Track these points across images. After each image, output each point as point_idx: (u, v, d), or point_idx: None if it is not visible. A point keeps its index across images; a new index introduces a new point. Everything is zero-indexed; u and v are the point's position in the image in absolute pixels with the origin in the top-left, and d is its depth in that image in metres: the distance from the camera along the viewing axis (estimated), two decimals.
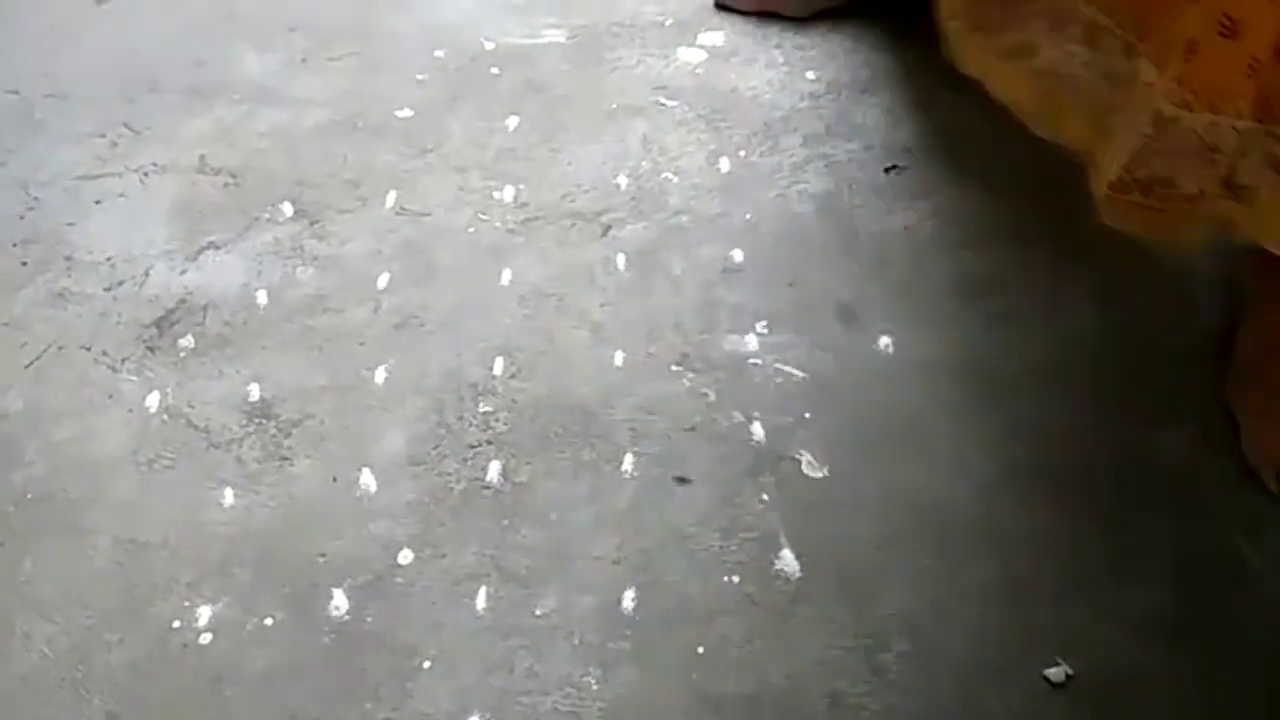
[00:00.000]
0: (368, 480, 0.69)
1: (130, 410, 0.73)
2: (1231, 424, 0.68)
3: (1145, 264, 0.78)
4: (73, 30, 1.02)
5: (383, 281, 0.80)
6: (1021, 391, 0.71)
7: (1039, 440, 0.69)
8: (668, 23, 0.99)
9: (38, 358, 0.76)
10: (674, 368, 0.74)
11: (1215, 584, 0.62)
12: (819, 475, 0.68)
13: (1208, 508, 0.65)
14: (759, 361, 0.74)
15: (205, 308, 0.78)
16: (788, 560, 0.64)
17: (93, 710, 0.59)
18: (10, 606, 0.64)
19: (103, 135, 0.92)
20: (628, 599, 0.63)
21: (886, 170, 0.86)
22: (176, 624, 0.63)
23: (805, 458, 0.69)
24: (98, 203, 0.86)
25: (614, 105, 0.92)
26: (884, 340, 0.75)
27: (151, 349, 0.76)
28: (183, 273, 0.81)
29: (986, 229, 0.81)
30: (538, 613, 0.63)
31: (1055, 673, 0.59)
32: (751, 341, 0.75)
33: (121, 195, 0.87)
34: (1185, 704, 0.58)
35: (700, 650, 0.61)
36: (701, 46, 0.97)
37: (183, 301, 0.79)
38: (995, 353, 0.73)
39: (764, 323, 0.76)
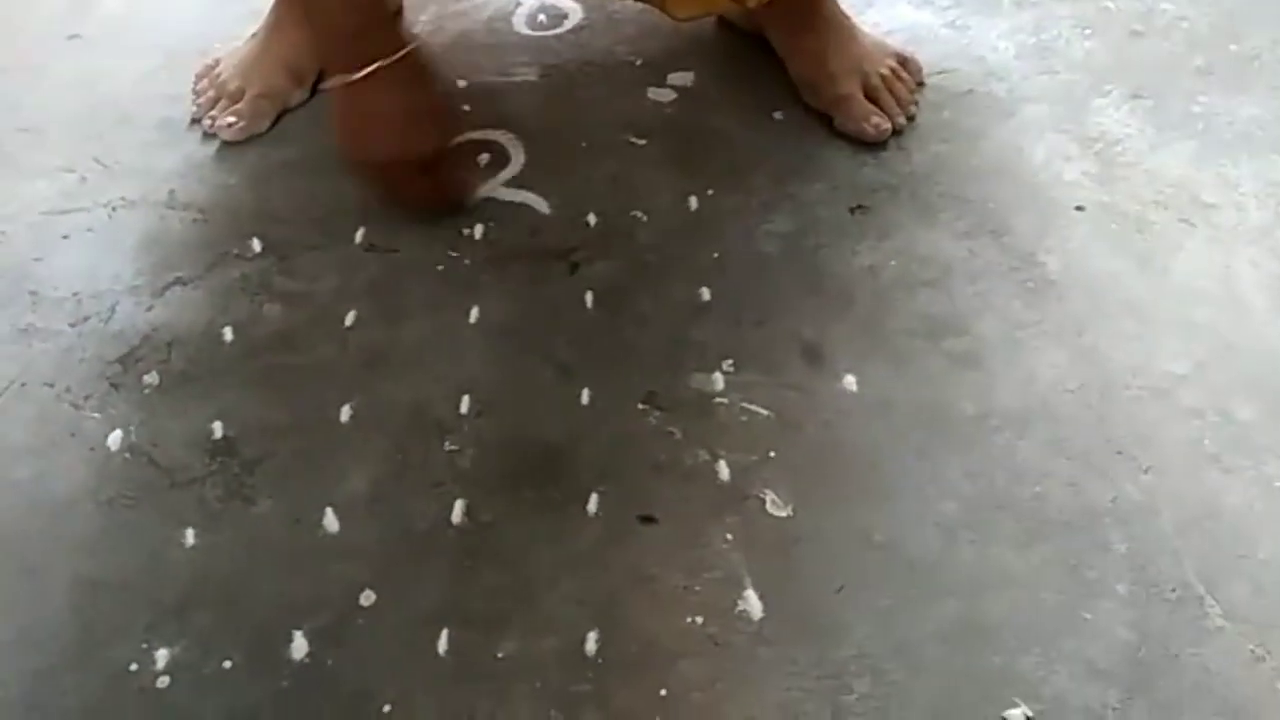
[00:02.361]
0: (330, 520, 0.68)
1: (92, 449, 0.72)
2: None
3: (1102, 306, 0.79)
4: (42, 63, 1.02)
5: (350, 318, 0.80)
6: (983, 431, 0.72)
7: (1000, 481, 0.69)
8: (638, 63, 1.01)
9: None
10: (640, 406, 0.75)
11: (1174, 621, 0.63)
12: (783, 514, 0.68)
13: (1162, 539, 0.66)
14: (725, 400, 0.75)
15: (170, 344, 0.78)
16: (751, 600, 0.64)
17: None
18: None
19: (72, 170, 0.92)
20: (590, 641, 0.63)
21: (852, 210, 0.87)
22: (134, 667, 0.62)
23: (769, 496, 0.69)
24: (65, 237, 0.86)
25: (584, 144, 0.93)
26: (848, 379, 0.75)
27: (115, 386, 0.76)
28: (149, 309, 0.80)
29: (948, 270, 0.82)
30: (499, 655, 0.62)
31: (1015, 715, 0.59)
32: (718, 380, 0.76)
33: (89, 230, 0.87)
34: None
35: (663, 693, 0.61)
36: (671, 86, 0.98)
37: (147, 338, 0.79)
38: (957, 393, 0.74)
39: (730, 361, 0.77)
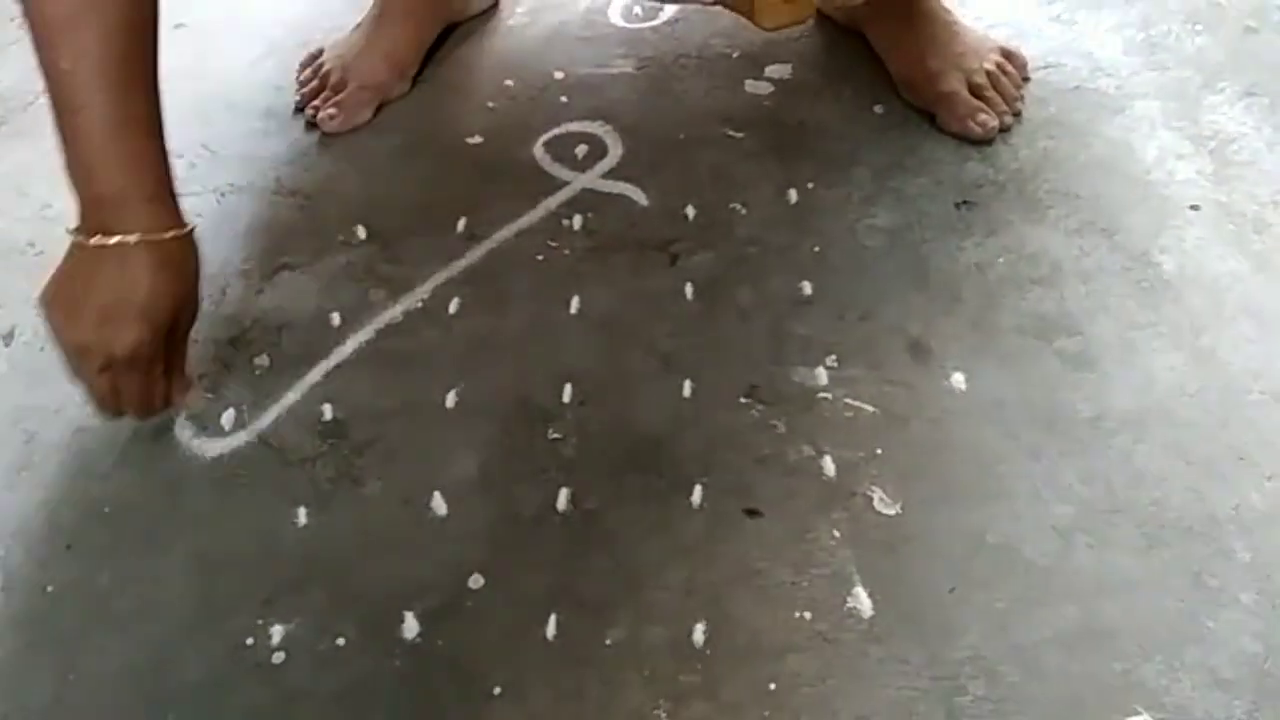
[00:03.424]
0: (438, 503, 0.69)
1: (206, 427, 0.74)
2: None
3: (1221, 309, 0.77)
4: None
5: (454, 306, 0.81)
6: (1099, 434, 0.70)
7: (1118, 484, 0.68)
8: (735, 55, 1.00)
9: None
10: (743, 399, 0.74)
11: None
12: (891, 512, 0.68)
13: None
14: (829, 395, 0.74)
15: (280, 328, 0.80)
16: (860, 598, 0.64)
17: None
18: (88, 619, 0.64)
19: (181, 156, 0.93)
20: (698, 631, 0.63)
21: (957, 206, 0.85)
22: (250, 641, 0.63)
23: (877, 494, 0.68)
24: None
25: (681, 136, 0.93)
26: (956, 377, 0.74)
27: (228, 366, 0.77)
28: (259, 292, 0.82)
29: (1058, 268, 0.80)
30: (608, 642, 0.62)
31: None
32: (821, 375, 0.75)
33: (199, 215, 0.88)
34: None
35: (772, 687, 0.60)
36: (769, 79, 0.97)
37: (258, 321, 0.80)
38: (1071, 394, 0.72)
39: (834, 356, 0.76)
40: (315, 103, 0.96)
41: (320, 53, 0.99)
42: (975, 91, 0.90)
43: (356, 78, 0.96)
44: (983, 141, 0.89)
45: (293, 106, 0.97)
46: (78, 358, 0.67)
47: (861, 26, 0.98)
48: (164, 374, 0.70)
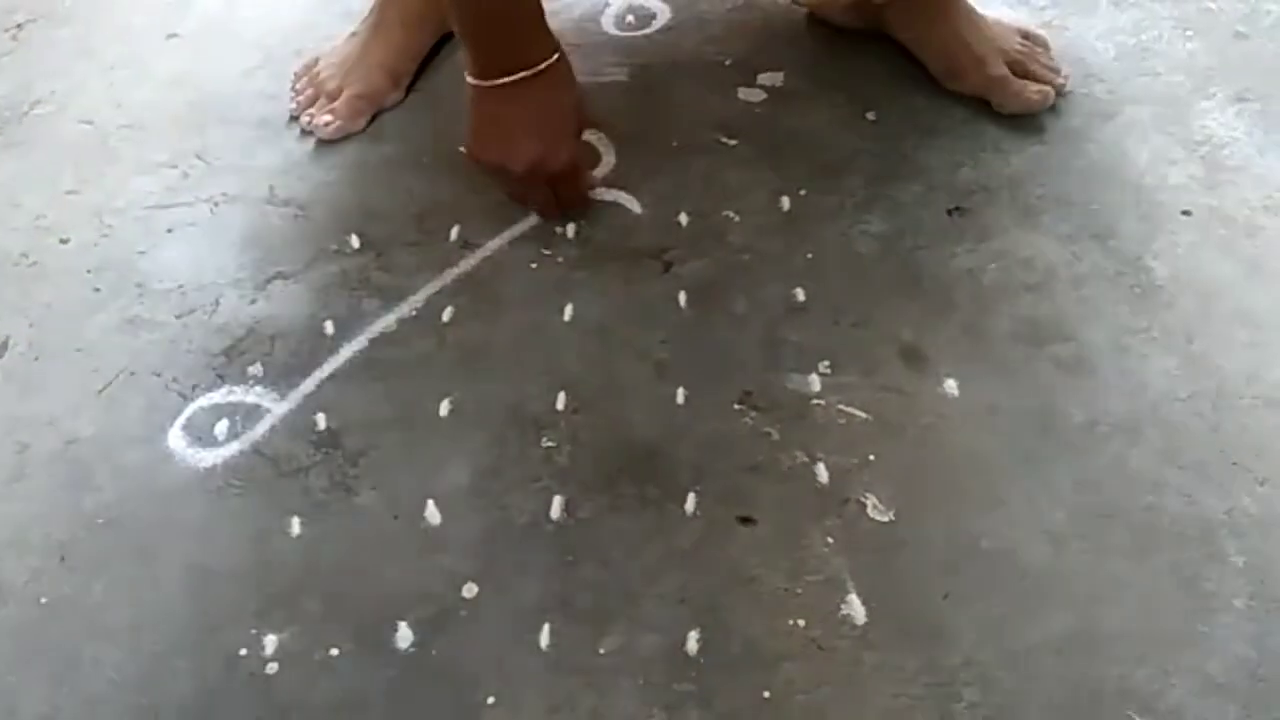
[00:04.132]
0: (432, 512, 0.69)
1: (199, 438, 0.74)
2: None
3: (1213, 314, 0.77)
4: (145, 62, 1.05)
5: (447, 314, 0.81)
6: (1092, 439, 0.70)
7: (1111, 490, 0.68)
8: (727, 62, 1.00)
9: (109, 383, 0.77)
10: (736, 406, 0.74)
11: None
12: (885, 519, 0.68)
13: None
14: (822, 402, 0.74)
15: (273, 337, 0.80)
16: (854, 605, 0.64)
17: None
18: (80, 631, 0.64)
19: (174, 166, 0.94)
20: (692, 640, 0.63)
21: (950, 212, 0.85)
22: (244, 652, 0.63)
23: (871, 500, 0.68)
24: (169, 231, 0.88)
25: (674, 143, 0.93)
26: (949, 383, 0.74)
27: (221, 376, 0.77)
28: (252, 302, 0.82)
29: (1051, 274, 0.80)
30: (601, 651, 0.62)
31: None
32: (814, 381, 0.75)
33: (192, 224, 0.89)
34: None
35: (766, 695, 0.60)
36: (761, 86, 0.98)
37: (251, 330, 0.80)
38: (1065, 400, 0.73)
39: (827, 362, 0.76)
40: (310, 110, 0.96)
41: (316, 61, 1.00)
42: (1018, 69, 0.92)
43: (352, 86, 0.96)
44: (1040, 110, 0.92)
45: (287, 115, 0.97)
46: (526, 180, 0.82)
47: (888, 28, 0.98)
48: (575, 178, 0.85)
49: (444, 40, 1.03)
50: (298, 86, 0.99)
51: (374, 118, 0.96)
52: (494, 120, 0.81)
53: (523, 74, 0.79)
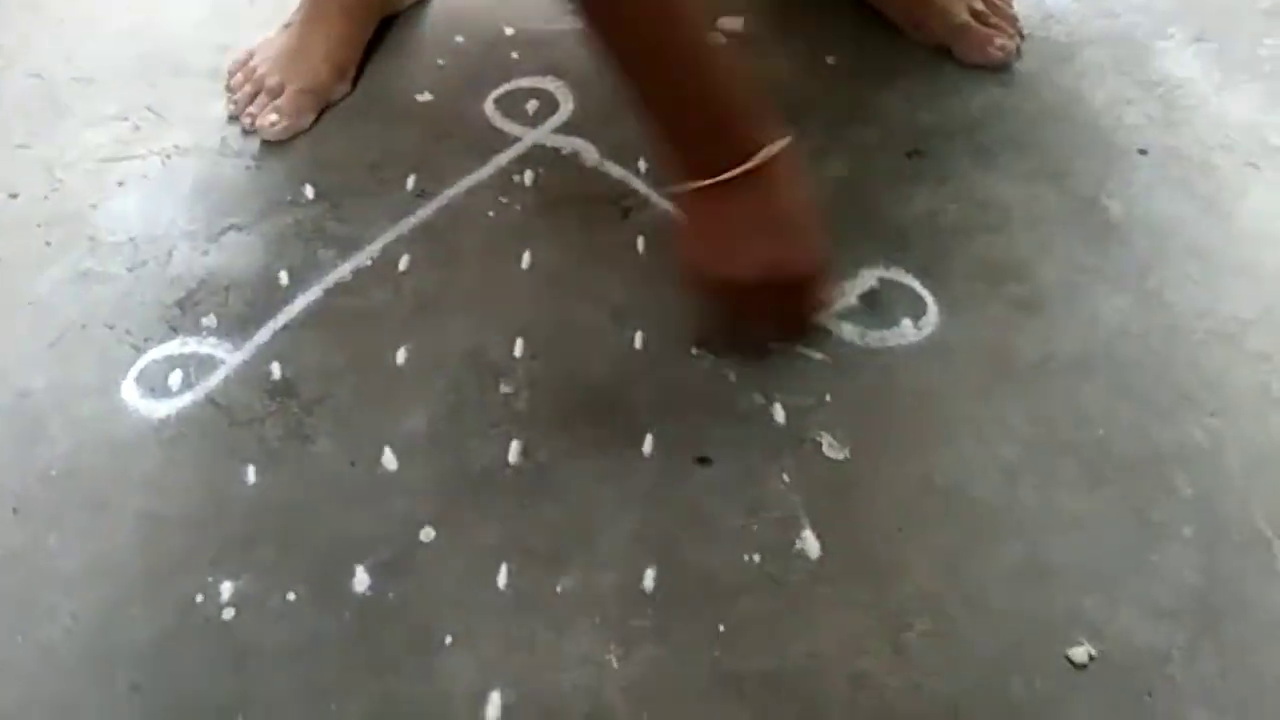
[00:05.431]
0: (389, 459, 0.69)
1: (153, 388, 0.73)
2: None
3: (1167, 251, 0.78)
4: (94, 14, 1.02)
5: (403, 263, 0.80)
6: (1044, 375, 0.71)
7: (1063, 425, 0.68)
8: None
9: (61, 336, 0.76)
10: (694, 350, 0.74)
11: (1241, 565, 0.62)
12: (840, 456, 0.68)
13: (1229, 483, 0.65)
14: (779, 344, 0.74)
15: (228, 288, 0.79)
16: (809, 540, 0.64)
17: (117, 682, 0.59)
18: (35, 580, 0.64)
19: (125, 119, 0.92)
20: (649, 578, 0.63)
21: (908, 155, 0.85)
22: (200, 599, 0.63)
23: (826, 439, 0.69)
24: (121, 184, 0.87)
25: None
26: (905, 323, 0.74)
27: (174, 328, 0.76)
28: (205, 254, 0.81)
29: (1007, 214, 0.81)
30: (559, 590, 0.63)
31: (1078, 653, 0.59)
32: None
33: (144, 177, 0.87)
34: (1208, 683, 0.57)
35: (721, 629, 0.61)
36: (721, 30, 0.97)
37: (204, 282, 0.79)
38: (1018, 338, 0.73)
39: None
40: (251, 109, 0.90)
41: (250, 56, 0.93)
42: (980, 19, 0.92)
43: (295, 80, 0.90)
44: (1003, 66, 0.91)
45: (227, 114, 0.92)
46: (755, 293, 0.67)
47: None
48: (813, 291, 0.70)
49: (387, 24, 0.99)
50: (232, 84, 0.92)
51: (321, 113, 0.91)
52: (713, 224, 0.66)
53: (751, 164, 0.64)
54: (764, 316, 0.71)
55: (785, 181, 0.66)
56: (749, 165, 0.64)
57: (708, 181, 0.64)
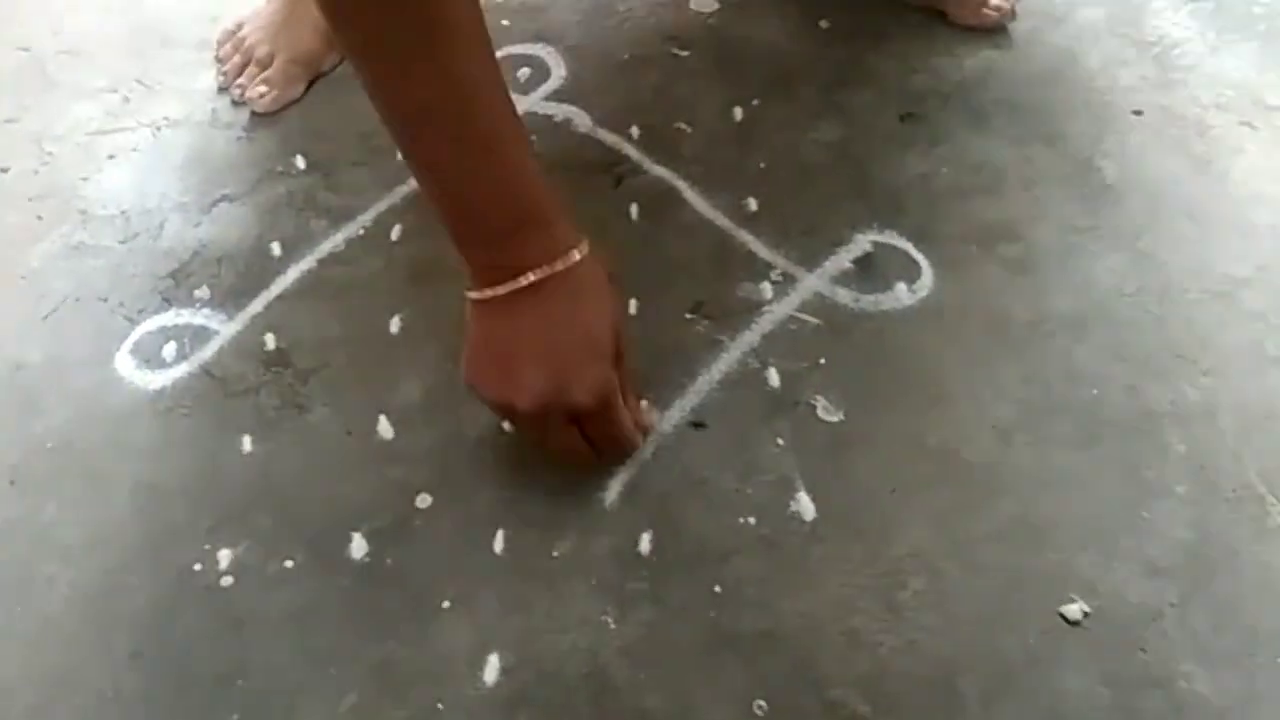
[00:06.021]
0: (384, 427, 0.69)
1: (148, 360, 0.73)
2: None
3: (1161, 211, 0.77)
4: None
5: (395, 233, 0.80)
6: (1038, 336, 0.71)
7: (1056, 384, 0.69)
8: None
9: (55, 309, 0.76)
10: (688, 315, 0.74)
11: (1234, 521, 0.62)
12: (834, 419, 0.68)
13: (1221, 440, 0.65)
14: (773, 309, 0.74)
15: (220, 259, 0.79)
16: (803, 503, 0.64)
17: (117, 650, 0.60)
18: (34, 551, 0.64)
19: (115, 90, 0.92)
20: (644, 541, 0.63)
21: (902, 118, 0.85)
22: (198, 567, 0.63)
23: (820, 403, 0.69)
24: (111, 157, 0.86)
25: (625, 56, 0.92)
26: (899, 286, 0.74)
27: (168, 300, 0.76)
28: (197, 225, 0.81)
29: (1002, 176, 0.80)
30: (555, 554, 0.63)
31: (1072, 610, 0.59)
32: (766, 289, 0.75)
33: (135, 149, 0.87)
34: (1201, 638, 0.58)
35: (717, 589, 0.61)
36: (696, 10, 0.96)
37: (197, 253, 0.79)
38: (1012, 298, 0.73)
39: (778, 270, 0.76)
40: (240, 81, 0.89)
41: (239, 26, 0.93)
42: None
43: (284, 50, 0.89)
44: (997, 28, 0.90)
45: (217, 86, 0.91)
46: (536, 421, 0.59)
47: None
48: (614, 416, 0.61)
49: None
50: (221, 55, 0.92)
51: (311, 84, 0.91)
52: (490, 341, 0.60)
53: (530, 278, 0.58)
54: (555, 442, 0.62)
55: (575, 298, 0.59)
56: (534, 276, 0.57)
57: (487, 294, 0.58)
